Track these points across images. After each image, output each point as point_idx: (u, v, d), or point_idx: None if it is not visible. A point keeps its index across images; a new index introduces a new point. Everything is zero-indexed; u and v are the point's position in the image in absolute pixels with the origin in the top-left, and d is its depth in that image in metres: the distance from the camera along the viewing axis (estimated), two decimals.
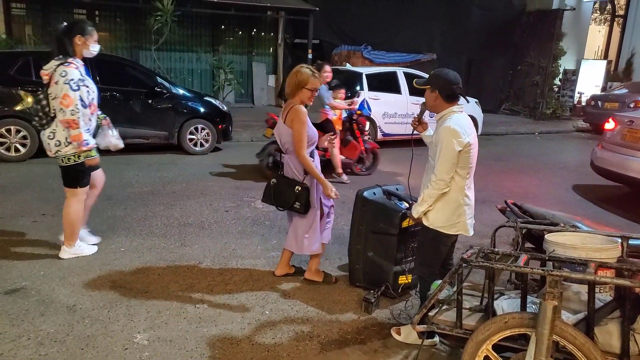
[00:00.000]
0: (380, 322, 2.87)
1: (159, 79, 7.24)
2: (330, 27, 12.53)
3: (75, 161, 3.26)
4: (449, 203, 2.42)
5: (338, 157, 6.02)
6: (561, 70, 14.47)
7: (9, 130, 6.17)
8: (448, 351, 2.58)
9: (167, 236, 4.04)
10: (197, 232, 4.15)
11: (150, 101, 7.00)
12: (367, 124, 6.64)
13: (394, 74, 8.77)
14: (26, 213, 4.37)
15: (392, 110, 8.54)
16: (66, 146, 3.22)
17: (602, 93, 12.86)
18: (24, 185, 5.27)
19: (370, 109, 8.33)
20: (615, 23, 16.66)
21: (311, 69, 2.99)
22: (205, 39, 12.40)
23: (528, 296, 2.01)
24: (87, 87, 3.25)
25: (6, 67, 6.28)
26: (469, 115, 2.66)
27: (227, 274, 3.40)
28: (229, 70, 11.88)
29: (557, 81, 14.55)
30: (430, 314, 2.13)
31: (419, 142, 2.78)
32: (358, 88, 8.36)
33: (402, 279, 3.11)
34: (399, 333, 2.68)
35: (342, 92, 6.17)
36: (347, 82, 8.58)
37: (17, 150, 6.25)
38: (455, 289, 2.07)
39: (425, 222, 2.49)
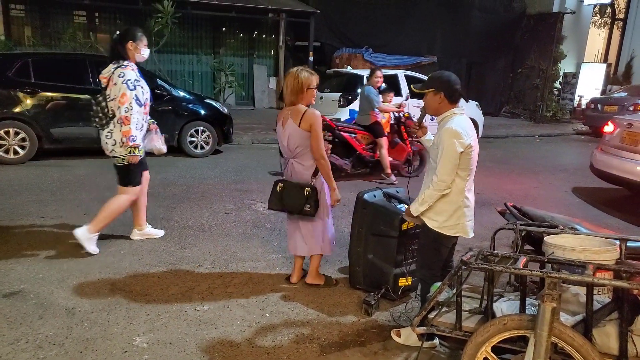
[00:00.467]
0: (380, 324, 2.87)
1: (159, 81, 7.26)
2: (331, 30, 12.57)
3: (129, 161, 3.50)
4: (448, 205, 2.43)
5: (387, 158, 6.25)
6: (561, 73, 14.51)
7: (7, 133, 6.18)
8: (448, 353, 2.58)
9: (167, 239, 4.04)
10: (197, 235, 4.16)
11: (150, 103, 7.01)
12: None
13: (395, 76, 8.79)
14: (25, 216, 4.37)
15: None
16: (121, 146, 3.45)
17: (602, 96, 12.89)
18: (23, 187, 5.27)
19: None
20: (615, 26, 16.72)
21: (304, 68, 2.98)
22: (206, 41, 12.43)
23: (527, 298, 2.02)
24: (142, 87, 3.49)
25: (5, 68, 6.28)
26: (470, 118, 2.66)
27: (227, 276, 3.40)
28: (229, 72, 11.92)
29: (557, 84, 14.59)
30: (430, 316, 2.13)
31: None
32: (359, 91, 8.37)
33: (402, 282, 3.11)
34: (398, 335, 2.68)
35: (390, 96, 6.45)
36: (348, 85, 8.64)
37: (15, 152, 6.25)
38: (454, 291, 2.07)
39: (426, 222, 2.50)
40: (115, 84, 3.37)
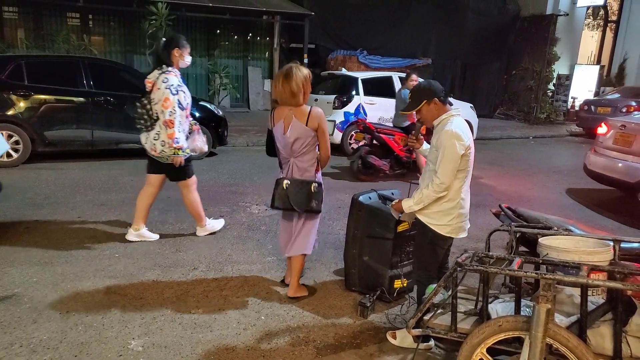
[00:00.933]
0: (376, 326, 2.87)
1: None
2: (326, 32, 12.58)
3: (172, 161, 3.71)
4: (444, 205, 2.46)
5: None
6: (555, 75, 14.62)
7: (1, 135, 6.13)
8: (443, 355, 2.59)
9: (162, 241, 4.02)
10: (192, 238, 4.14)
11: None
12: None
13: (390, 78, 8.82)
14: (19, 219, 4.33)
15: (388, 115, 8.55)
16: (169, 147, 3.65)
17: (595, 98, 12.99)
18: (17, 191, 5.23)
19: (366, 114, 8.37)
20: (608, 29, 16.87)
21: (296, 66, 2.94)
22: (201, 43, 12.40)
23: (522, 299, 2.02)
24: (184, 92, 3.70)
25: None
26: (464, 120, 2.69)
27: (222, 279, 3.39)
28: (224, 74, 11.90)
29: (551, 86, 14.70)
30: (426, 317, 2.13)
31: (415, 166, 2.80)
32: (353, 93, 8.40)
33: (398, 283, 3.11)
34: (394, 337, 2.68)
35: None
36: (343, 87, 8.66)
37: (9, 155, 6.20)
38: (450, 292, 2.07)
39: (421, 219, 2.52)
40: (159, 89, 3.58)
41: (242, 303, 3.06)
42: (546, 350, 1.79)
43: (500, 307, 2.09)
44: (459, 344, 2.02)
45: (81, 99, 6.59)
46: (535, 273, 1.85)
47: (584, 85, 14.42)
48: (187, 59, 3.75)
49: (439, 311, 2.14)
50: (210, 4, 10.35)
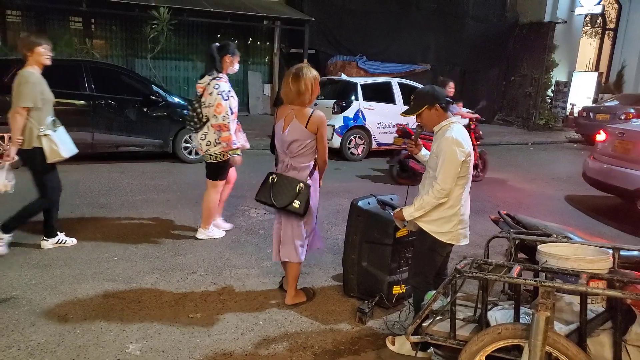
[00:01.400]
0: (374, 332, 2.86)
1: (154, 87, 7.25)
2: (326, 37, 12.62)
3: (220, 159, 3.96)
4: (444, 212, 2.46)
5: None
6: (553, 81, 14.67)
7: (2, 138, 6.12)
8: None
9: (161, 245, 4.01)
10: (190, 241, 4.14)
11: (145, 109, 6.99)
12: (481, 132, 7.38)
13: (389, 84, 8.84)
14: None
15: (387, 120, 8.59)
16: (215, 146, 3.91)
17: (594, 105, 13.04)
18: (16, 193, 5.19)
19: (365, 119, 8.39)
20: (606, 36, 16.95)
21: (306, 66, 2.94)
22: (201, 47, 12.43)
23: (521, 307, 2.02)
24: (233, 97, 3.92)
25: (1, 74, 6.24)
26: (463, 125, 2.70)
27: (220, 283, 3.39)
28: None
29: (549, 92, 14.74)
30: (424, 324, 2.13)
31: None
32: (353, 98, 8.42)
33: (397, 289, 3.11)
34: (393, 343, 2.67)
35: (460, 105, 6.95)
36: (343, 92, 8.68)
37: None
38: (449, 299, 2.07)
39: (422, 226, 2.51)
40: (210, 94, 3.81)
41: (240, 308, 3.05)
42: (545, 359, 1.78)
43: (499, 315, 2.09)
44: (457, 351, 2.02)
45: (82, 102, 6.59)
46: (535, 280, 1.85)
47: (582, 92, 14.48)
48: (236, 67, 3.99)
49: (437, 318, 2.13)
50: (212, 9, 10.39)
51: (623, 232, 5.07)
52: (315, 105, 8.52)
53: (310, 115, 2.88)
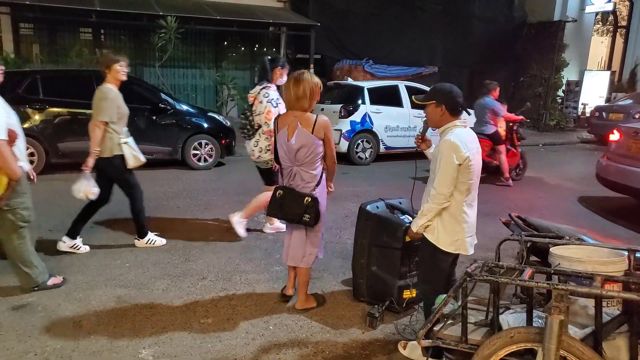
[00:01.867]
0: (385, 337, 2.84)
1: (163, 95, 7.34)
2: (332, 42, 12.65)
3: (272, 165, 4.04)
4: (447, 219, 2.39)
5: (506, 163, 6.92)
6: (564, 81, 14.50)
7: (32, 154, 6.19)
8: None
9: (172, 251, 4.04)
10: (201, 247, 4.16)
11: (154, 117, 7.08)
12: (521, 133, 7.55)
13: (396, 87, 8.83)
14: (33, 228, 4.37)
15: (394, 124, 8.58)
16: (266, 153, 4.08)
17: (607, 104, 12.84)
18: (57, 201, 5.30)
19: (372, 123, 8.38)
20: (617, 34, 16.72)
21: (306, 71, 2.96)
22: (209, 55, 12.56)
23: (534, 310, 2.00)
24: (280, 104, 4.02)
25: (14, 85, 6.37)
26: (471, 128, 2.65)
27: (231, 288, 3.40)
28: (232, 86, 12.01)
29: (560, 92, 14.57)
30: (435, 328, 2.11)
31: (422, 156, 2.79)
32: (360, 102, 8.42)
33: (407, 294, 3.08)
34: (404, 348, 2.65)
35: (504, 107, 7.18)
36: (349, 96, 8.69)
37: None
38: (460, 303, 2.05)
39: (427, 237, 2.46)
40: (260, 102, 4.02)
41: (250, 313, 3.06)
42: None
43: (511, 318, 2.07)
44: (469, 355, 1.99)
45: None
46: (547, 283, 1.83)
47: (594, 91, 14.28)
48: (285, 78, 4.11)
49: (449, 322, 2.11)
50: (218, 17, 10.51)
51: (638, 234, 4.98)
52: (322, 110, 8.59)
53: (316, 120, 2.87)
